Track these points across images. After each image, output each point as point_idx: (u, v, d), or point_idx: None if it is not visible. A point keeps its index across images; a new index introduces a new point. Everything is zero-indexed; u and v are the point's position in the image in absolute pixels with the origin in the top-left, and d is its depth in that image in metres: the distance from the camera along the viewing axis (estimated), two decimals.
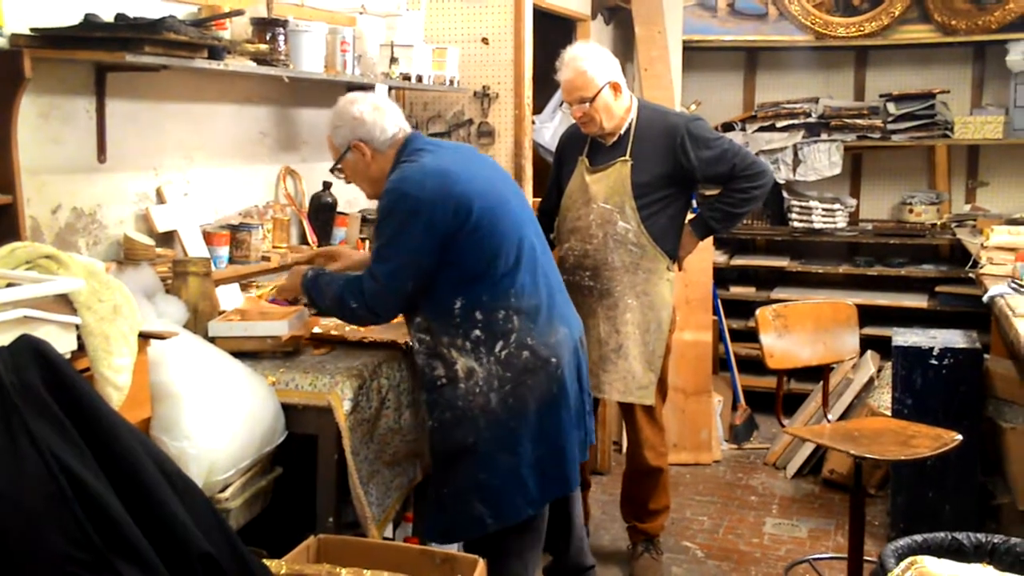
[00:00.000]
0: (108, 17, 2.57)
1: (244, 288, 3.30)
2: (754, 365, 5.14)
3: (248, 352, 2.77)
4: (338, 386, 2.62)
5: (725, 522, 4.16)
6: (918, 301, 5.31)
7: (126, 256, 2.88)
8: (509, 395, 2.59)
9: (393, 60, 3.73)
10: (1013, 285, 3.56)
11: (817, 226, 5.58)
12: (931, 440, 3.13)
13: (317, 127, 3.90)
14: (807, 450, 4.63)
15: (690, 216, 3.57)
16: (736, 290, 5.68)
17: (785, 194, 5.70)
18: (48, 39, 2.49)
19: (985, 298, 3.61)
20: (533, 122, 4.61)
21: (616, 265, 3.40)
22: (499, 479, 2.61)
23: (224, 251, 3.20)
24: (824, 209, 5.58)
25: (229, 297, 3.15)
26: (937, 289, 5.29)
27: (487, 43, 4.33)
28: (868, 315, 4.80)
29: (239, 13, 3.07)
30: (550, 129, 4.79)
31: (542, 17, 4.66)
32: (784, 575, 3.64)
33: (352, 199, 4.11)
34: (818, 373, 3.71)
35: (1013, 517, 3.60)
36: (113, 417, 1.59)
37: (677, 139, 3.34)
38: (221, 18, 2.95)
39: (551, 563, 3.28)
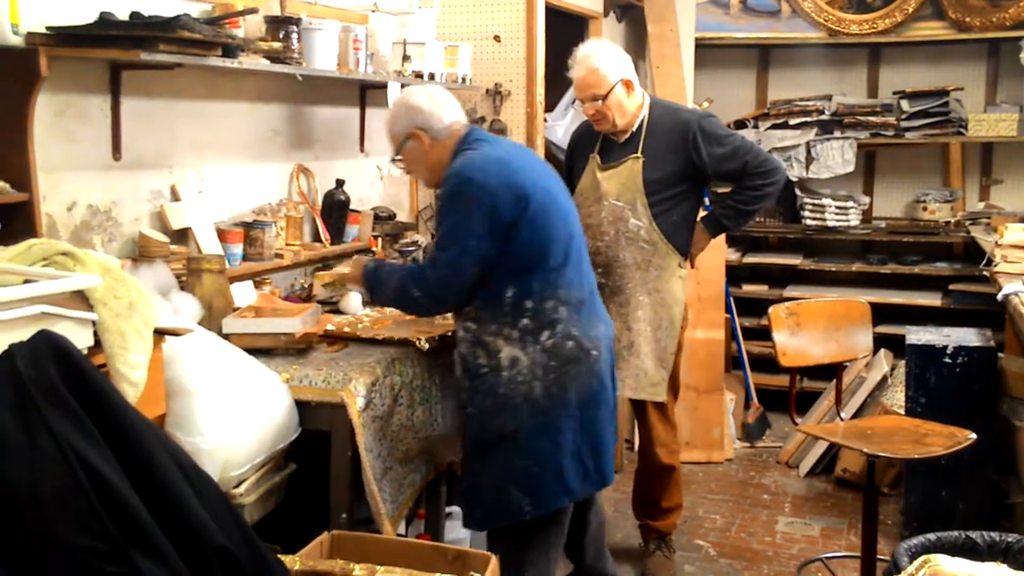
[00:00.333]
0: (123, 15, 2.59)
1: (258, 285, 3.31)
2: (766, 363, 5.13)
3: (262, 348, 2.79)
4: (351, 383, 2.63)
5: (737, 520, 4.15)
6: (932, 299, 5.29)
7: (141, 253, 2.90)
8: (552, 384, 2.63)
9: (405, 58, 3.74)
10: None
11: (830, 224, 5.56)
12: (945, 439, 3.12)
13: (330, 125, 3.91)
14: (820, 449, 4.62)
15: (702, 213, 3.57)
16: (749, 288, 5.66)
17: (798, 192, 5.68)
18: (64, 37, 2.50)
19: (999, 296, 3.59)
20: (545, 120, 4.61)
21: (628, 262, 3.40)
22: (539, 467, 2.63)
23: (238, 248, 3.22)
24: (837, 207, 5.56)
25: (243, 294, 3.17)
26: (951, 287, 5.26)
27: (499, 41, 4.33)
28: (881, 313, 4.78)
29: (253, 11, 3.09)
30: (562, 127, 4.79)
31: (554, 15, 4.66)
32: (796, 574, 3.64)
33: (365, 197, 4.13)
34: (831, 371, 3.70)
35: None
36: (130, 411, 1.60)
37: (689, 136, 3.33)
38: (235, 16, 2.97)
39: (572, 572, 3.26)
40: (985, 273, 4.19)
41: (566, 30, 4.92)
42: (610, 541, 3.86)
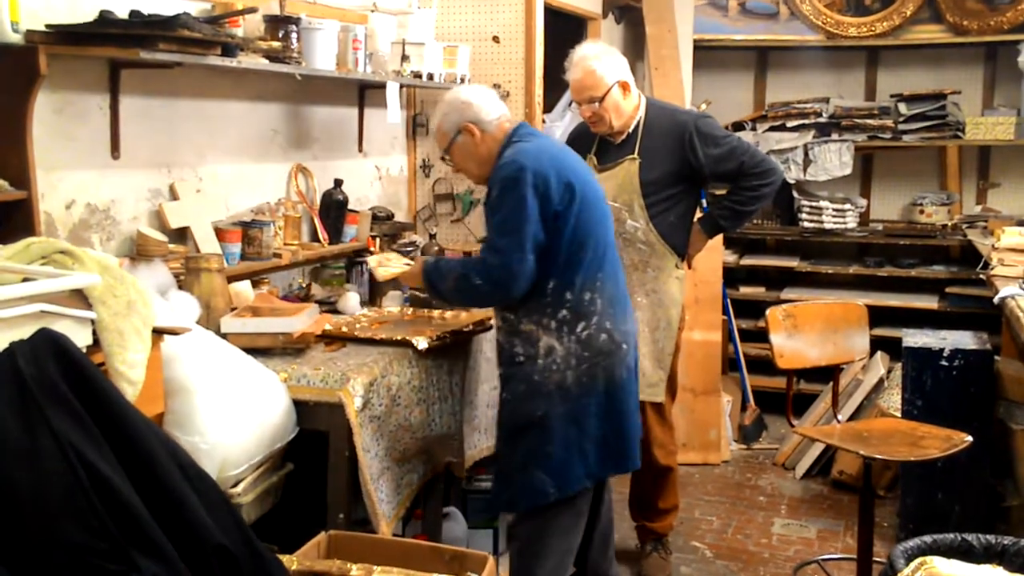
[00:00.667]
0: (123, 14, 2.59)
1: (256, 284, 3.31)
2: (763, 365, 5.13)
3: (260, 348, 2.79)
4: (349, 383, 2.64)
5: (734, 522, 4.16)
6: (928, 302, 5.30)
7: (139, 252, 2.90)
8: (584, 374, 2.70)
9: (404, 58, 3.74)
10: None
11: (827, 226, 5.57)
12: (941, 441, 3.13)
13: (329, 124, 3.91)
14: (816, 451, 4.63)
15: (699, 214, 3.57)
16: (746, 290, 5.67)
17: (795, 194, 5.69)
18: (63, 36, 2.50)
19: (996, 299, 3.60)
20: (544, 120, 4.61)
21: (625, 263, 3.38)
22: (564, 451, 2.71)
23: (236, 248, 3.22)
24: (834, 209, 5.57)
25: (242, 293, 3.17)
26: (947, 290, 5.27)
27: (498, 41, 4.34)
28: (878, 316, 4.78)
29: (252, 10, 3.09)
30: (560, 127, 4.79)
31: (553, 15, 4.66)
32: (793, 575, 3.64)
33: (363, 197, 4.13)
34: (827, 373, 3.70)
35: (1022, 519, 3.59)
36: (130, 410, 1.60)
37: (686, 137, 3.34)
38: (234, 15, 2.97)
39: (575, 572, 3.26)
40: (982, 276, 4.20)
41: (565, 31, 4.92)
42: None
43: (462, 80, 4.06)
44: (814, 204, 5.60)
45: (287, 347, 2.84)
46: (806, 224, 5.61)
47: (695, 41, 5.67)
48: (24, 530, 1.40)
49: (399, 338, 2.95)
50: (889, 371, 4.68)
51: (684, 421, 4.67)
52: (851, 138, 5.55)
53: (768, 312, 3.47)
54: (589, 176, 2.81)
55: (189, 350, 2.39)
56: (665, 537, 3.71)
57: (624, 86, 3.34)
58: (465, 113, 2.78)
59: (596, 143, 3.46)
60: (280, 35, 3.17)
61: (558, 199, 2.62)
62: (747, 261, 5.73)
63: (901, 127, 5.50)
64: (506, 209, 2.61)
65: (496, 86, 4.32)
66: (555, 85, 4.52)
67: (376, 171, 4.26)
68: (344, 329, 3.05)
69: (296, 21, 3.23)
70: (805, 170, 5.56)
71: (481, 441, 3.32)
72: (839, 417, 3.63)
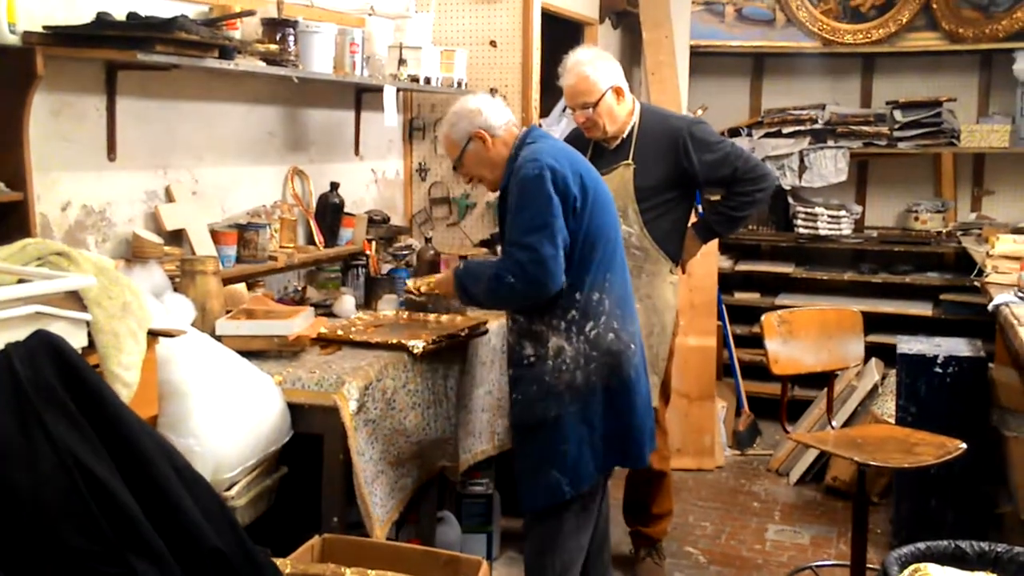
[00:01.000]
0: (120, 16, 2.59)
1: (251, 287, 3.30)
2: (757, 371, 5.14)
3: (255, 351, 2.78)
4: (344, 386, 2.63)
5: (727, 528, 4.16)
6: (923, 309, 5.31)
7: (134, 254, 2.89)
8: (593, 373, 2.74)
9: (402, 62, 3.74)
10: (1019, 294, 3.56)
11: (822, 233, 5.57)
12: (935, 448, 3.13)
13: (325, 127, 3.91)
14: (810, 457, 4.63)
15: (693, 219, 3.58)
16: (741, 296, 5.68)
17: (791, 200, 5.69)
18: (60, 37, 2.50)
19: (990, 307, 3.61)
20: (540, 125, 4.61)
21: None
22: (578, 450, 2.75)
23: (232, 250, 3.21)
24: (830, 216, 5.58)
25: (237, 296, 3.16)
26: (942, 297, 5.28)
27: (495, 46, 4.34)
28: (872, 322, 4.79)
29: (250, 13, 3.08)
30: (557, 132, 4.77)
31: (550, 20, 4.67)
32: None
33: (359, 200, 4.13)
34: (821, 380, 3.71)
35: (1016, 526, 3.60)
36: (126, 413, 1.60)
37: (680, 142, 3.34)
38: (232, 18, 2.97)
39: None
40: (976, 283, 4.21)
41: (562, 36, 4.92)
42: None
43: (459, 84, 4.06)
44: (809, 210, 5.61)
45: (282, 350, 2.83)
46: (801, 230, 5.62)
47: (692, 47, 5.68)
48: (20, 533, 1.40)
49: (394, 342, 2.95)
50: (883, 378, 4.69)
51: (678, 426, 4.67)
52: (846, 145, 5.56)
53: (763, 318, 3.47)
54: (599, 177, 2.85)
55: (184, 352, 2.39)
56: (659, 543, 3.71)
57: (618, 91, 3.35)
58: (475, 120, 2.81)
59: (591, 149, 3.46)
60: (277, 38, 3.17)
61: (577, 195, 2.67)
62: (742, 267, 5.74)
63: (896, 134, 5.52)
64: (532, 207, 2.64)
65: (493, 90, 4.33)
66: (552, 90, 4.51)
67: (372, 174, 4.26)
68: (339, 332, 3.05)
69: (293, 24, 3.23)
70: (800, 176, 5.57)
71: (476, 445, 3.32)
72: (833, 423, 3.63)
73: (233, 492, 2.43)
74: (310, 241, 3.72)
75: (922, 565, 1.96)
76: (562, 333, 2.73)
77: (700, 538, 4.05)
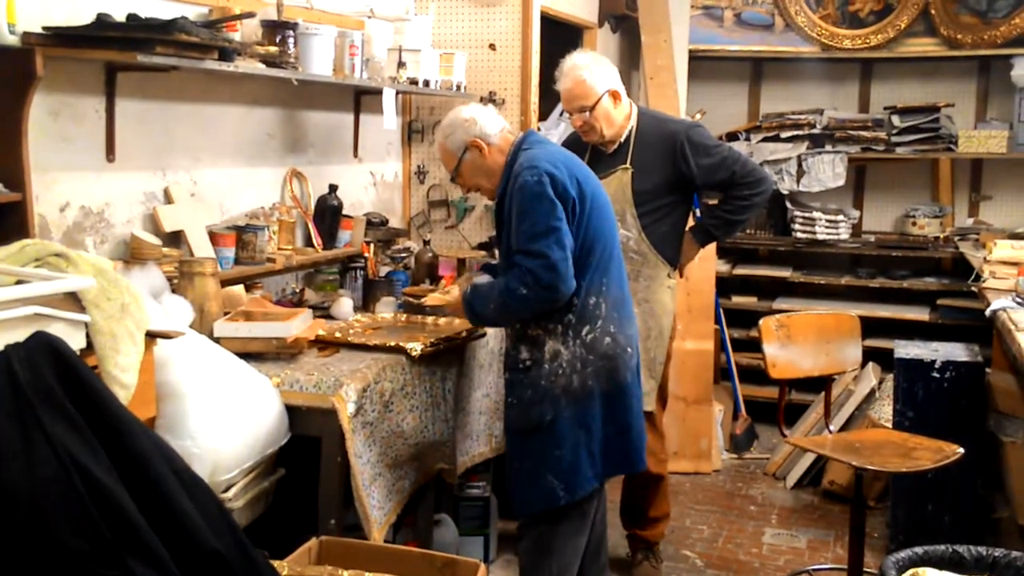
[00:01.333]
0: (120, 17, 2.58)
1: (249, 289, 3.30)
2: (755, 375, 5.15)
3: (253, 353, 2.78)
4: (342, 388, 2.63)
5: (724, 532, 4.16)
6: (920, 314, 5.31)
7: (133, 255, 2.89)
8: (589, 377, 2.74)
9: (401, 64, 3.74)
10: (1016, 299, 3.56)
11: (820, 237, 5.58)
12: (932, 453, 3.14)
13: (324, 130, 3.91)
14: (807, 461, 4.63)
15: (691, 223, 3.58)
16: (738, 300, 5.68)
17: (788, 205, 5.70)
18: (60, 38, 2.50)
19: (988, 312, 3.61)
20: (539, 128, 4.62)
21: None
22: (572, 454, 2.74)
23: (230, 252, 3.21)
24: (827, 220, 5.58)
25: (235, 298, 3.16)
26: (939, 302, 5.29)
27: (494, 49, 4.34)
28: (870, 327, 4.79)
29: (250, 15, 3.09)
30: (555, 136, 4.79)
31: (549, 24, 4.67)
32: None
33: (357, 202, 4.13)
34: (818, 384, 3.71)
35: (1012, 531, 3.60)
36: (125, 415, 1.60)
37: (677, 146, 3.35)
38: (232, 20, 2.97)
39: None
40: (973, 289, 4.22)
41: (561, 40, 4.93)
42: None
43: (458, 87, 4.06)
44: (807, 215, 5.61)
45: (280, 352, 2.83)
46: (799, 235, 5.62)
47: (690, 51, 5.68)
48: (18, 534, 1.40)
49: (392, 344, 2.95)
50: (880, 382, 4.70)
51: (675, 430, 4.67)
52: (844, 149, 5.57)
53: (761, 322, 3.48)
54: (597, 181, 2.85)
55: (182, 354, 2.39)
56: (656, 546, 3.71)
57: (614, 95, 3.35)
58: (470, 130, 2.82)
59: (588, 153, 3.46)
60: (277, 40, 3.17)
61: (575, 199, 2.68)
62: (740, 271, 5.74)
63: (894, 139, 5.52)
64: (535, 214, 2.64)
65: (492, 93, 4.33)
66: (551, 93, 4.51)
67: (371, 177, 4.26)
68: (337, 335, 3.05)
69: (293, 26, 3.23)
70: (798, 181, 5.58)
71: (473, 448, 3.32)
72: (830, 428, 3.63)
73: (231, 494, 2.42)
74: (308, 243, 3.72)
75: (920, 570, 1.97)
76: (558, 337, 2.73)
77: (697, 541, 4.05)
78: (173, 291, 2.78)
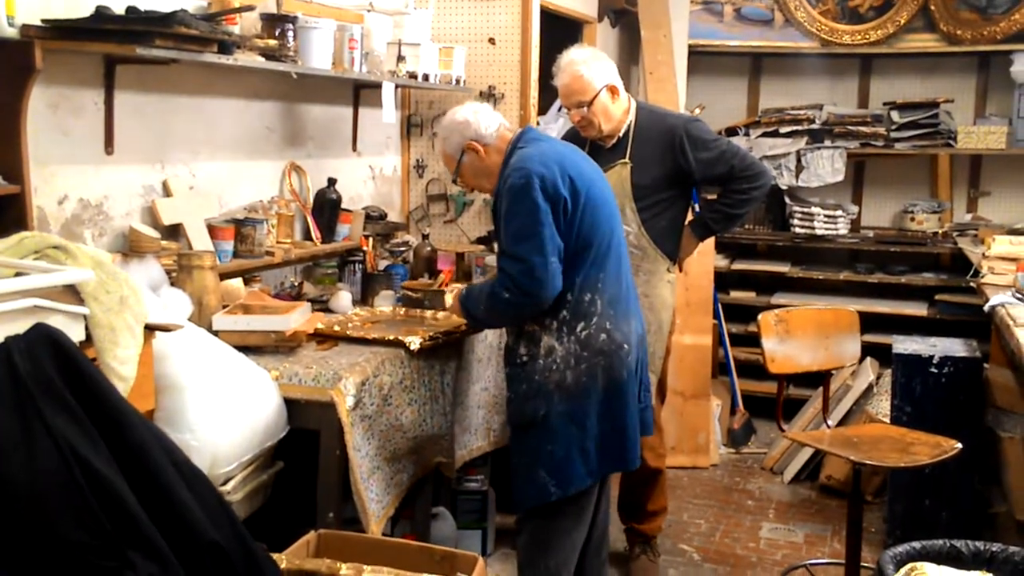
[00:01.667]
0: (119, 10, 2.58)
1: (248, 283, 3.30)
2: (753, 369, 5.15)
3: (252, 346, 2.78)
4: (341, 382, 2.63)
5: (722, 526, 4.17)
6: (918, 309, 5.32)
7: (131, 248, 2.89)
8: (583, 373, 2.73)
9: (400, 58, 3.74)
10: (1015, 295, 3.57)
11: (819, 232, 5.58)
12: (930, 448, 3.14)
13: (323, 123, 3.91)
14: (804, 455, 4.64)
15: (690, 217, 3.58)
16: (737, 294, 5.68)
17: (787, 200, 5.70)
18: (59, 30, 2.50)
19: (986, 307, 3.62)
20: (538, 123, 4.61)
21: None
22: (564, 450, 2.74)
23: (229, 245, 3.21)
24: (826, 215, 5.59)
25: (234, 291, 3.16)
26: (937, 297, 5.30)
27: (494, 43, 4.34)
28: (868, 322, 4.79)
29: (250, 8, 3.08)
30: (554, 130, 4.79)
31: (549, 18, 4.67)
32: None
33: (356, 196, 4.12)
34: (816, 379, 3.71)
35: (1009, 526, 3.61)
36: (125, 406, 1.60)
37: (676, 140, 3.34)
38: (232, 13, 2.97)
39: None
40: (972, 284, 4.22)
41: (560, 34, 4.92)
42: None
43: (458, 81, 4.06)
44: (806, 210, 5.62)
45: (279, 345, 2.83)
46: (797, 230, 5.63)
47: (690, 46, 5.68)
48: (19, 526, 1.40)
49: (391, 338, 2.95)
50: (878, 377, 4.70)
51: (673, 424, 4.68)
52: (843, 145, 5.57)
53: (760, 317, 3.48)
54: (596, 175, 2.83)
55: (181, 347, 2.38)
56: (653, 540, 3.72)
57: (612, 90, 3.34)
58: (465, 132, 2.82)
59: (587, 147, 3.46)
60: (276, 33, 3.16)
61: (568, 198, 2.65)
62: (738, 266, 5.75)
63: (893, 135, 5.53)
64: (520, 217, 2.63)
65: (491, 88, 4.33)
66: (550, 88, 4.50)
67: (370, 171, 4.25)
68: (336, 328, 3.05)
69: (293, 20, 3.23)
70: (797, 176, 5.58)
71: (471, 442, 3.32)
72: (828, 422, 3.64)
73: (229, 487, 2.42)
74: (307, 237, 3.72)
75: (918, 564, 1.97)
76: (553, 333, 2.73)
77: (695, 536, 4.06)
78: (172, 284, 2.77)
